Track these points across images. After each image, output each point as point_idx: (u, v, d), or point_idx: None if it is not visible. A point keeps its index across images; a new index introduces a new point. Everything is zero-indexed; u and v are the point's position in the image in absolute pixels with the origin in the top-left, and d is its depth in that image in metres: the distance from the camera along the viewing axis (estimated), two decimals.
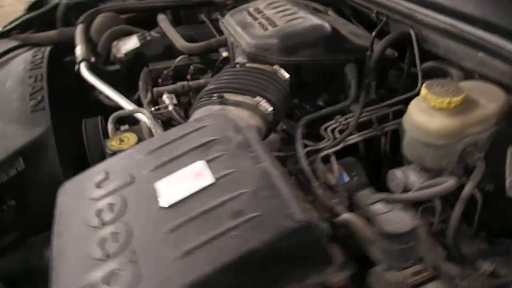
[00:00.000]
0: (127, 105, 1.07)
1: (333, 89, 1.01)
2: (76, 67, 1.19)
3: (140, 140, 0.89)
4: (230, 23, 1.06)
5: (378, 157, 0.97)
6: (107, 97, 1.14)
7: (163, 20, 1.32)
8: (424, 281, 0.68)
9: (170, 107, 1.06)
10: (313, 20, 0.97)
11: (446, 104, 0.72)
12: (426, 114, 0.75)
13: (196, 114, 0.84)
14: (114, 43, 1.33)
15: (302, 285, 0.57)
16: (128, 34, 1.35)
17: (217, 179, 0.64)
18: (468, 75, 0.88)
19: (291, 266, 0.57)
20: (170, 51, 1.29)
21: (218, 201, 0.61)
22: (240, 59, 0.99)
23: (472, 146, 0.77)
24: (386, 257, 0.67)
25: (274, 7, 1.05)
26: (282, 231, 0.55)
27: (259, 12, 1.04)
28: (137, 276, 0.54)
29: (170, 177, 0.67)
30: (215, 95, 0.83)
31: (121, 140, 0.90)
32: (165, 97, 1.11)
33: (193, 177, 0.66)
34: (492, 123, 0.76)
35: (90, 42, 1.34)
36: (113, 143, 0.89)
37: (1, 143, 0.95)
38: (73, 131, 1.01)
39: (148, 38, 1.31)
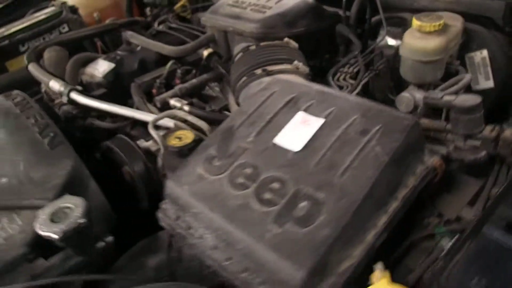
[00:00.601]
0: (145, 116, 1.08)
1: (321, 52, 1.20)
2: (65, 98, 1.12)
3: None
4: (218, 18, 1.16)
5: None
6: (109, 116, 1.13)
7: (133, 35, 1.32)
8: None
9: (186, 107, 1.10)
10: None
11: (438, 26, 0.97)
12: (422, 39, 0.98)
13: (248, 90, 0.93)
14: (81, 70, 1.28)
15: (424, 165, 0.73)
16: (90, 60, 1.31)
17: (326, 118, 0.76)
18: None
19: (415, 154, 0.73)
20: (144, 64, 1.31)
21: (340, 130, 0.73)
22: (243, 44, 1.09)
23: (452, 57, 1.04)
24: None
25: None
26: (407, 128, 0.70)
27: (242, 2, 1.16)
28: (318, 203, 0.64)
29: (282, 132, 0.76)
30: (257, 71, 0.94)
31: (179, 138, 0.93)
32: (173, 101, 1.14)
33: (302, 124, 0.77)
34: (460, 36, 1.04)
35: None
36: (174, 142, 0.92)
37: (40, 189, 0.87)
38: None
39: (118, 57, 1.30)
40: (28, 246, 0.76)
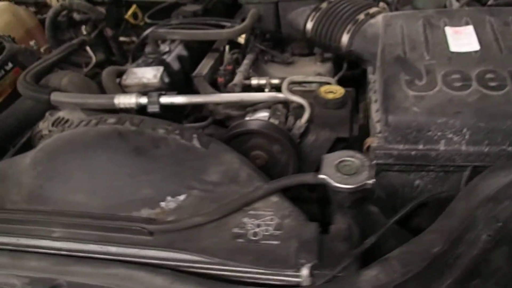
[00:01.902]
0: (255, 96, 1.03)
1: None
2: (154, 107, 0.94)
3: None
4: None
5: None
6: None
7: (169, 32, 1.16)
8: None
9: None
10: None
11: None
12: None
13: (366, 32, 1.02)
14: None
15: None
16: (118, 72, 1.12)
17: (469, 24, 0.92)
18: None
19: None
20: (182, 59, 1.21)
21: (489, 26, 0.91)
22: (309, 6, 1.16)
23: None
24: None
25: None
26: None
27: None
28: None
29: (450, 43, 0.89)
30: (360, 16, 1.03)
31: (331, 92, 0.95)
32: (255, 81, 1.12)
33: (458, 34, 0.91)
34: None
35: None
36: (330, 96, 0.93)
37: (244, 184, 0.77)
38: None
39: (150, 60, 1.15)
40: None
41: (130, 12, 1.67)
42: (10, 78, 1.37)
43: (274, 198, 0.74)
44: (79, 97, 1.01)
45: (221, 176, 0.80)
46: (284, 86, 0.99)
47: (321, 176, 0.67)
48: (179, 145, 0.83)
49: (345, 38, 1.04)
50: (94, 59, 1.73)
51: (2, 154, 1.14)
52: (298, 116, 1.01)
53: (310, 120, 0.97)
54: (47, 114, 1.19)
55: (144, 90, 1.09)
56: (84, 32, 1.72)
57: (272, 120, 1.03)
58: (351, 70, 1.30)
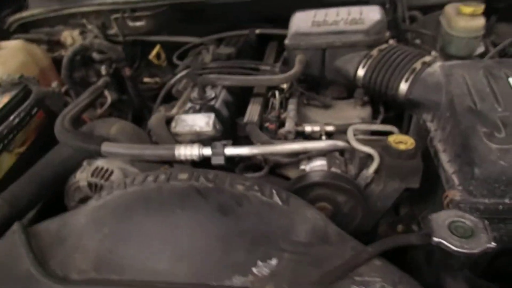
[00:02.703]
0: (319, 144, 1.00)
1: None
2: (219, 158, 0.89)
3: None
4: (315, 38, 1.19)
5: None
6: None
7: (220, 77, 1.13)
8: None
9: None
10: None
11: (483, 9, 1.28)
12: (469, 20, 1.28)
13: (427, 81, 1.02)
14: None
15: None
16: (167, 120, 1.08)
17: None
18: None
19: None
20: (228, 105, 1.18)
21: None
22: (360, 53, 1.17)
23: None
24: None
25: None
26: None
27: (324, 21, 1.21)
28: None
29: None
30: (416, 64, 1.05)
31: (401, 142, 0.93)
32: (309, 127, 1.10)
33: None
34: None
35: None
36: (402, 147, 0.91)
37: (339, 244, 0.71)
38: None
39: (198, 106, 1.11)
40: None
41: (154, 52, 1.64)
42: (35, 123, 1.29)
43: (377, 262, 0.70)
44: (135, 148, 0.95)
45: (309, 236, 0.76)
46: (351, 136, 0.97)
47: (437, 239, 0.64)
48: (261, 202, 0.78)
49: (403, 87, 1.04)
50: (109, 99, 1.67)
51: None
52: (361, 164, 0.99)
53: (377, 170, 0.95)
54: (84, 163, 1.12)
55: (197, 138, 1.04)
56: (104, 72, 1.67)
57: (334, 169, 1.01)
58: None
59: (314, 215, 0.81)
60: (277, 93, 1.16)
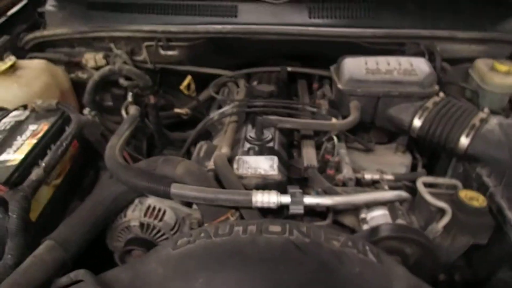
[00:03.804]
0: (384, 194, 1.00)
1: None
2: (298, 208, 0.86)
3: None
4: (371, 85, 1.21)
5: None
6: None
7: (281, 119, 1.11)
8: None
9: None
10: None
11: None
12: (503, 77, 1.36)
13: (487, 139, 1.06)
14: None
15: None
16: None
17: None
18: None
19: None
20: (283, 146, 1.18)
21: None
22: (415, 104, 1.20)
23: None
24: None
25: None
26: None
27: (378, 70, 1.23)
28: None
29: None
30: (474, 120, 1.09)
31: (472, 198, 0.95)
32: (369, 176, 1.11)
33: None
34: None
35: None
36: (475, 203, 0.93)
37: None
38: None
39: (257, 148, 1.08)
40: None
41: (185, 83, 1.60)
42: (70, 153, 1.20)
43: None
44: (209, 192, 0.90)
45: None
46: (423, 189, 0.98)
47: None
48: (360, 260, 0.76)
49: (464, 141, 1.08)
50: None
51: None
52: (430, 217, 1.00)
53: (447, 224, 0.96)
54: (136, 201, 1.05)
55: (264, 182, 1.01)
56: (130, 99, 1.61)
57: (400, 221, 1.01)
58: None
59: (405, 273, 0.80)
60: (335, 138, 1.16)
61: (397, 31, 1.41)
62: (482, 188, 1.08)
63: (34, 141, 1.08)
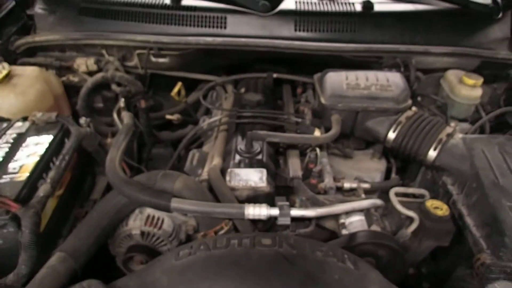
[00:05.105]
0: (359, 203, 1.12)
1: None
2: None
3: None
4: (351, 101, 1.31)
5: None
6: None
7: (269, 134, 1.22)
8: None
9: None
10: None
11: (482, 82, 1.50)
12: (470, 89, 1.49)
13: (452, 152, 1.20)
14: None
15: None
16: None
17: None
18: None
19: None
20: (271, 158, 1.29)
21: None
22: (389, 117, 1.32)
23: None
24: None
25: None
26: None
27: (357, 85, 1.35)
28: None
29: None
30: (441, 135, 1.22)
31: (437, 207, 1.08)
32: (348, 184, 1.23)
33: None
34: None
35: None
36: (439, 212, 1.07)
37: None
38: None
39: (247, 160, 1.19)
40: None
41: (176, 89, 1.68)
42: (70, 164, 1.27)
43: None
44: (205, 205, 1.01)
45: None
46: (395, 199, 1.10)
47: None
48: (340, 268, 0.88)
49: (432, 154, 1.21)
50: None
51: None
52: (400, 223, 1.13)
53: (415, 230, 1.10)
54: (137, 211, 1.14)
55: (254, 194, 1.12)
56: (122, 105, 1.67)
57: (375, 227, 1.14)
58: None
59: (378, 276, 0.93)
60: (318, 150, 1.28)
61: (377, 46, 1.52)
62: (446, 195, 1.23)
63: (38, 156, 1.15)
